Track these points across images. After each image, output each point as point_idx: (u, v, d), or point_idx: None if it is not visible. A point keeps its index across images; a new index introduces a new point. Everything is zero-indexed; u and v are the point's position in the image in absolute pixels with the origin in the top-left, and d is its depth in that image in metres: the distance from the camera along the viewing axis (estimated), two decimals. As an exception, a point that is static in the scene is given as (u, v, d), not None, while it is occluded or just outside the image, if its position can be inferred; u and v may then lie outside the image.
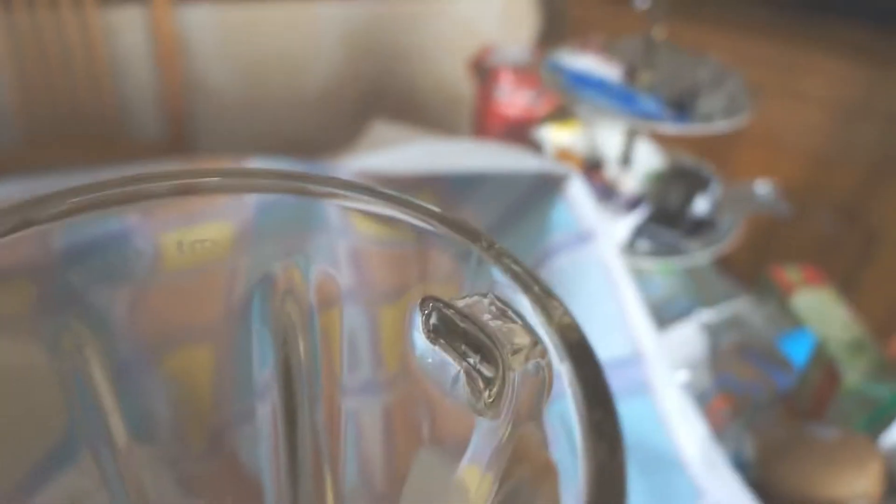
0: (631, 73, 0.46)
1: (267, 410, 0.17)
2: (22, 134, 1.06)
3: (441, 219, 0.14)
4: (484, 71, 0.61)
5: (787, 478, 0.36)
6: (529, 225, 0.40)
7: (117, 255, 0.17)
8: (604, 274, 0.36)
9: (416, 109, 1.37)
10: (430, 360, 0.14)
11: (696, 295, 0.51)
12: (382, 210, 0.14)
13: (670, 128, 0.42)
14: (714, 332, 0.46)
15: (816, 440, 0.37)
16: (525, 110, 0.60)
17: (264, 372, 0.17)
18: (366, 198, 0.14)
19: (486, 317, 0.14)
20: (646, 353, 0.35)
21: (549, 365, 0.13)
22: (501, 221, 0.42)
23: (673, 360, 0.43)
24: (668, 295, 0.50)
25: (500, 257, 0.13)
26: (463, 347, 0.13)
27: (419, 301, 0.14)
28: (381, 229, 0.15)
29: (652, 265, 0.45)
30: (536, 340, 0.13)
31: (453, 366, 0.14)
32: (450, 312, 0.13)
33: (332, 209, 0.16)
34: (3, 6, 0.97)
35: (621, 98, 0.44)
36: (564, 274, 0.36)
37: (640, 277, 0.50)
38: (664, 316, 0.48)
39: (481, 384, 0.13)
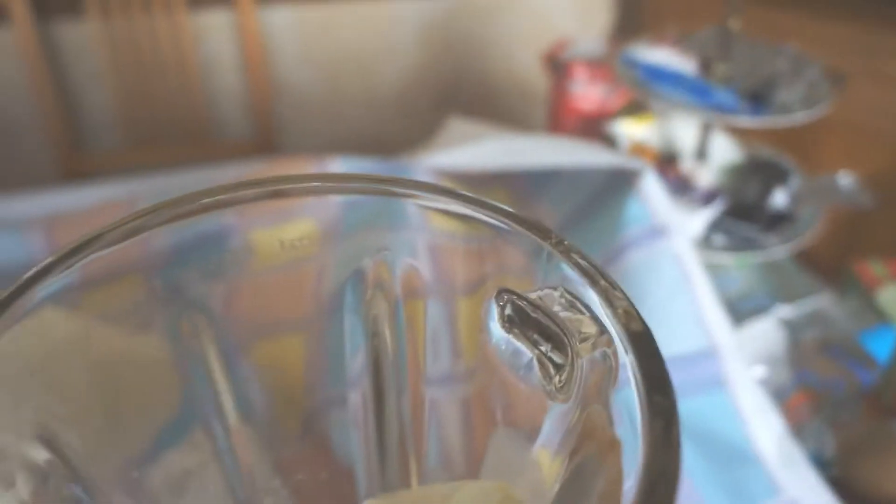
0: (706, 66, 0.46)
1: (357, 397, 0.19)
2: (122, 137, 1.13)
3: (513, 217, 0.15)
4: (558, 65, 0.61)
5: (869, 475, 0.36)
6: (603, 220, 0.40)
7: (216, 252, 0.18)
8: (678, 268, 0.36)
9: (491, 105, 1.38)
10: (504, 348, 0.15)
11: (775, 290, 0.50)
12: (459, 209, 0.15)
13: (746, 121, 0.42)
14: (794, 328, 0.46)
15: (900, 438, 0.36)
16: (599, 104, 0.60)
17: (355, 362, 0.18)
18: (444, 199, 0.15)
19: (557, 308, 0.15)
20: (721, 347, 0.35)
21: (615, 353, 0.14)
22: (575, 217, 0.43)
23: (750, 355, 0.43)
24: (746, 290, 0.49)
25: (569, 253, 0.14)
26: (535, 336, 0.14)
27: (495, 294, 0.15)
28: (458, 226, 0.16)
29: (729, 260, 0.45)
30: (603, 330, 0.14)
31: (526, 353, 0.15)
32: (523, 304, 0.15)
33: (412, 207, 0.17)
34: (102, 15, 1.03)
35: (696, 91, 0.44)
36: (638, 269, 0.37)
37: (717, 272, 0.50)
38: (742, 311, 0.48)
39: (552, 370, 0.14)
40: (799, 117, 0.41)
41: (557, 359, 0.14)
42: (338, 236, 0.18)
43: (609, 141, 0.54)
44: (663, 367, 0.12)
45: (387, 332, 0.17)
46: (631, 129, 0.53)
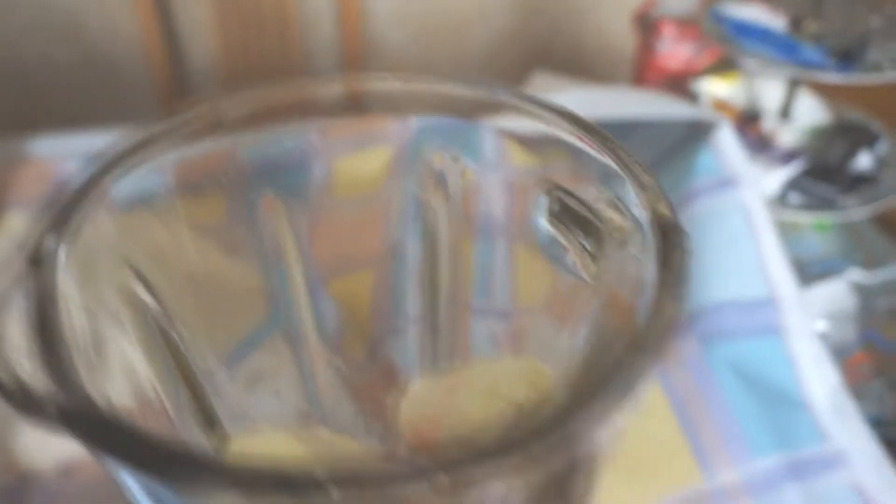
0: (797, 23, 0.45)
1: (417, 327, 0.21)
2: (222, 89, 1.19)
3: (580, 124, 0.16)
4: (647, 23, 0.61)
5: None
6: (676, 170, 0.41)
7: (301, 177, 0.21)
8: (745, 219, 0.37)
9: (582, 69, 1.37)
10: (547, 241, 0.17)
11: (853, 255, 0.49)
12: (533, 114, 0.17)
13: (834, 77, 0.41)
14: (867, 294, 0.45)
15: (964, 402, 0.36)
16: (686, 63, 0.60)
17: (415, 293, 0.20)
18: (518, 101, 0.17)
19: (601, 206, 0.17)
20: (782, 298, 0.36)
21: (650, 246, 0.15)
22: (651, 167, 0.44)
23: (817, 312, 0.43)
24: (823, 252, 0.49)
25: (615, 150, 0.16)
26: (576, 229, 0.16)
27: (545, 189, 0.17)
28: (530, 159, 0.18)
29: (805, 219, 0.45)
30: (637, 228, 0.16)
31: (566, 245, 0.17)
32: (569, 200, 0.16)
33: (488, 137, 0.19)
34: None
35: (784, 48, 0.44)
36: (705, 217, 0.37)
37: (796, 232, 0.50)
38: (816, 273, 0.48)
39: (588, 258, 0.16)
40: (889, 76, 0.41)
41: (592, 248, 0.16)
42: (408, 162, 0.20)
43: (692, 99, 0.54)
44: (686, 250, 0.14)
45: (442, 239, 0.19)
46: (715, 88, 0.53)
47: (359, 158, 0.21)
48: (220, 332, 0.20)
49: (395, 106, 0.19)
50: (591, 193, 0.16)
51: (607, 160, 0.15)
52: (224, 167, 0.20)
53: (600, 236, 0.16)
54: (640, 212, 0.16)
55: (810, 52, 0.43)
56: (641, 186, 0.16)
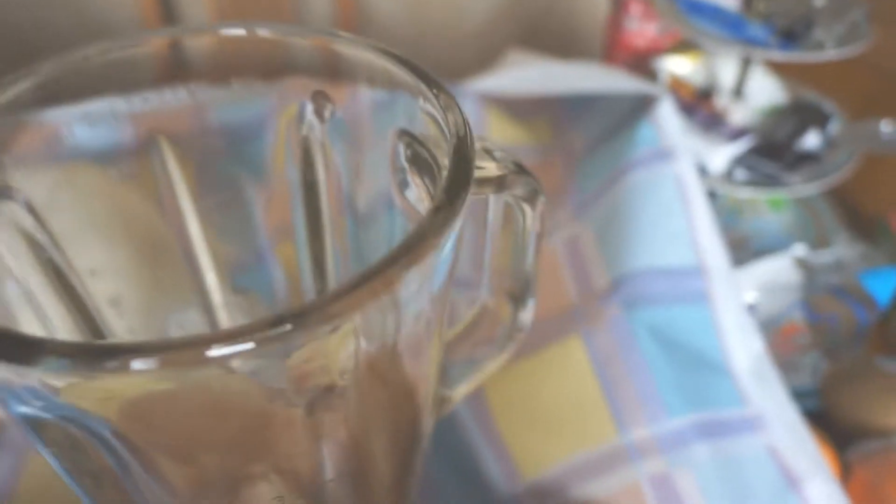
0: (748, 2, 0.46)
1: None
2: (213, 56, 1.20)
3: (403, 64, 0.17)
4: (616, 0, 0.62)
5: (846, 404, 0.37)
6: (617, 143, 0.42)
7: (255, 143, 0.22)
8: (677, 189, 0.38)
9: (575, 44, 1.36)
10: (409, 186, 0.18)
11: (806, 234, 0.50)
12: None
13: (777, 55, 0.42)
14: (811, 271, 0.46)
15: (884, 372, 0.37)
16: (652, 41, 0.60)
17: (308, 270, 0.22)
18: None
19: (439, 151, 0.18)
20: (711, 267, 0.37)
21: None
22: (597, 141, 0.45)
23: (755, 285, 0.44)
24: (775, 230, 0.50)
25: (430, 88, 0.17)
26: (423, 172, 0.17)
27: (397, 135, 0.18)
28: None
29: (749, 195, 0.45)
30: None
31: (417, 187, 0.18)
32: (416, 145, 0.17)
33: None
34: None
35: (732, 25, 0.44)
36: (638, 187, 0.38)
37: (751, 210, 0.51)
38: (765, 248, 0.49)
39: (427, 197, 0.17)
40: (830, 55, 0.41)
41: (432, 190, 0.17)
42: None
43: (652, 76, 0.54)
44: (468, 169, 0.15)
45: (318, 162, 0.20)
46: (675, 66, 0.54)
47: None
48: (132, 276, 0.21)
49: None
50: (432, 140, 0.17)
51: (413, 80, 0.17)
52: (192, 126, 0.20)
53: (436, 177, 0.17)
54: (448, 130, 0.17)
55: (757, 29, 0.44)
56: (440, 103, 0.17)
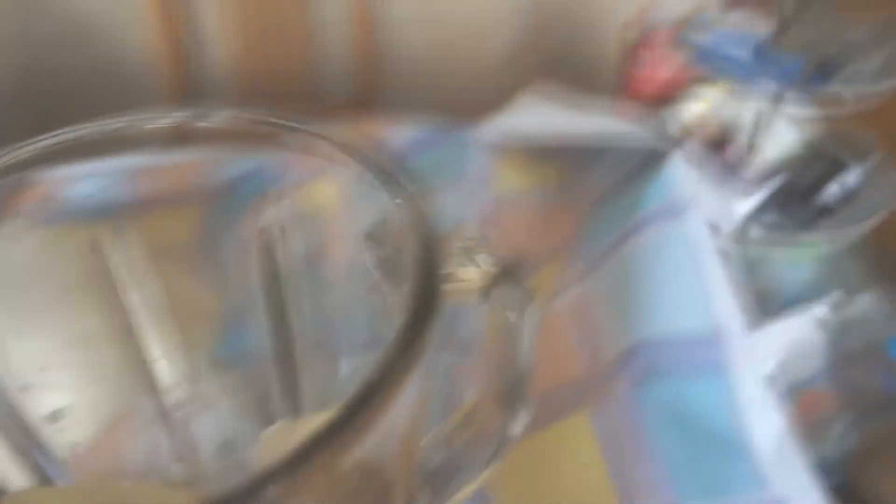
0: (776, 35, 0.43)
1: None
2: (238, 93, 1.20)
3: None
4: (626, 44, 0.60)
5: (879, 479, 0.34)
6: (627, 199, 0.40)
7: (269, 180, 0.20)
8: (689, 250, 0.36)
9: (600, 78, 1.34)
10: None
11: (829, 287, 0.48)
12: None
13: (804, 96, 0.40)
14: (835, 331, 0.43)
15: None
16: (669, 80, 0.58)
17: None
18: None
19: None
20: (726, 334, 0.34)
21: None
22: (606, 193, 0.43)
23: (776, 350, 0.41)
24: (794, 283, 0.47)
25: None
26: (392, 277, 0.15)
27: (365, 237, 0.16)
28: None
29: (769, 253, 0.43)
30: None
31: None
32: (384, 251, 0.15)
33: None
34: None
35: (756, 64, 0.42)
36: (648, 246, 0.36)
37: (766, 262, 0.48)
38: (783, 305, 0.46)
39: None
40: (863, 92, 0.39)
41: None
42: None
43: (667, 118, 0.52)
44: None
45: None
46: (692, 106, 0.51)
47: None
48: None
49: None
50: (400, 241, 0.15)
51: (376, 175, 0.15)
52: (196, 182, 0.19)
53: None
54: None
55: (782, 68, 0.41)
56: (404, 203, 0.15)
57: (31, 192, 0.18)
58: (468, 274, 0.15)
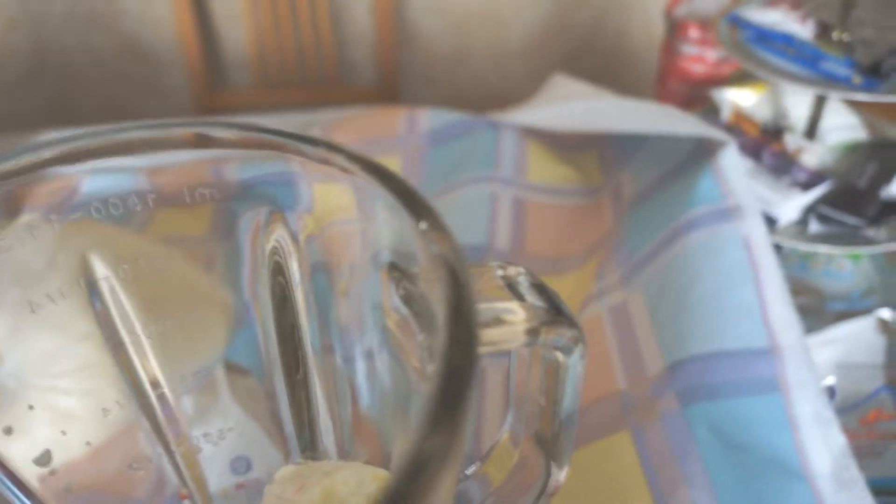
0: (824, 32, 0.40)
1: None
2: (255, 78, 1.18)
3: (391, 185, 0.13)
4: (672, 22, 0.57)
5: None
6: (674, 195, 0.37)
7: (284, 192, 0.18)
8: (745, 255, 0.33)
9: (625, 65, 1.31)
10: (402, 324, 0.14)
11: (890, 289, 0.44)
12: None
13: (857, 95, 0.37)
14: (896, 335, 0.40)
15: None
16: (711, 67, 0.55)
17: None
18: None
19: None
20: (783, 347, 0.31)
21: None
22: (650, 189, 0.40)
23: (832, 359, 0.39)
24: (852, 286, 0.44)
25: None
26: (419, 320, 0.13)
27: (387, 269, 0.14)
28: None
29: (829, 251, 0.40)
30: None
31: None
32: (409, 284, 0.13)
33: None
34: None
35: (806, 59, 0.39)
36: (698, 249, 0.33)
37: (822, 262, 0.45)
38: (839, 309, 0.43)
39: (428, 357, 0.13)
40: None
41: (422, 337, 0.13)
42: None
43: (712, 108, 0.49)
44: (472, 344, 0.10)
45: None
46: (738, 97, 0.48)
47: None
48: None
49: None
50: (426, 277, 0.13)
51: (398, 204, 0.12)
52: (207, 181, 0.17)
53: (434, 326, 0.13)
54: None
55: (834, 64, 0.38)
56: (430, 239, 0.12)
57: (47, 187, 0.16)
58: (513, 314, 0.12)
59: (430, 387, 0.09)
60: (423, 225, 0.11)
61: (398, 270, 0.13)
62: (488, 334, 0.12)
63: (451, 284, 0.10)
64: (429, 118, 0.49)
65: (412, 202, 0.12)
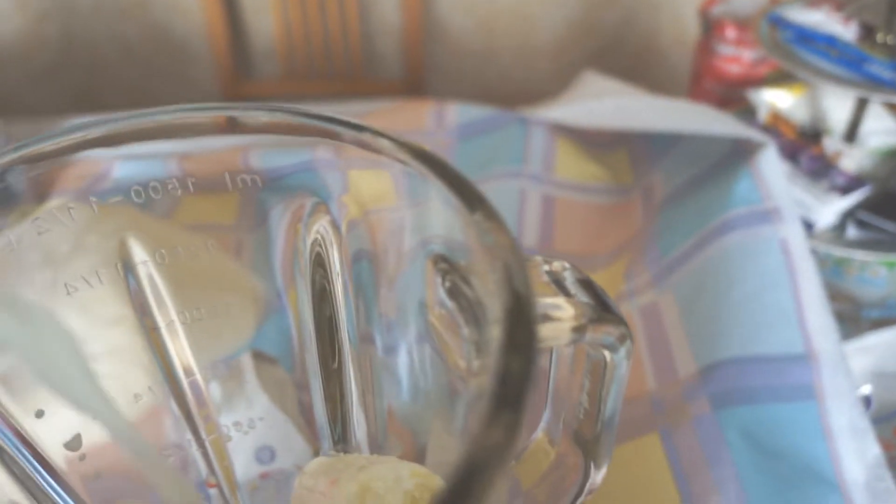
0: (868, 34, 0.39)
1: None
2: (282, 69, 1.18)
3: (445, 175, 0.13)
4: (708, 21, 0.56)
5: None
6: (711, 196, 0.36)
7: (325, 179, 0.18)
8: (783, 260, 0.32)
9: (654, 64, 1.29)
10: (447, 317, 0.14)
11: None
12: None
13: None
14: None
15: None
16: (748, 68, 0.54)
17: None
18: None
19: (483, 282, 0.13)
20: (820, 354, 0.31)
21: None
22: (685, 188, 0.39)
23: (867, 368, 0.38)
24: (888, 295, 0.43)
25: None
26: (466, 315, 0.13)
27: (433, 261, 0.13)
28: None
29: (863, 257, 0.39)
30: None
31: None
32: (456, 277, 0.13)
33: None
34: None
35: (849, 61, 0.38)
36: (735, 251, 0.33)
37: (859, 269, 0.44)
38: (876, 317, 0.42)
39: (474, 353, 0.12)
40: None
41: (472, 334, 0.12)
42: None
43: (748, 109, 0.48)
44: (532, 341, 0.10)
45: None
46: (776, 98, 0.47)
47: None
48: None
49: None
50: (475, 268, 0.12)
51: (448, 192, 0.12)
52: (250, 167, 0.17)
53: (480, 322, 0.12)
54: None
55: (878, 66, 0.37)
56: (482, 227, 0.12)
57: (75, 170, 0.16)
58: (560, 310, 0.12)
59: (485, 384, 0.09)
60: (478, 215, 0.11)
61: (446, 262, 0.13)
62: (541, 336, 0.12)
63: (508, 278, 0.10)
64: (457, 113, 0.49)
65: (465, 191, 0.11)
